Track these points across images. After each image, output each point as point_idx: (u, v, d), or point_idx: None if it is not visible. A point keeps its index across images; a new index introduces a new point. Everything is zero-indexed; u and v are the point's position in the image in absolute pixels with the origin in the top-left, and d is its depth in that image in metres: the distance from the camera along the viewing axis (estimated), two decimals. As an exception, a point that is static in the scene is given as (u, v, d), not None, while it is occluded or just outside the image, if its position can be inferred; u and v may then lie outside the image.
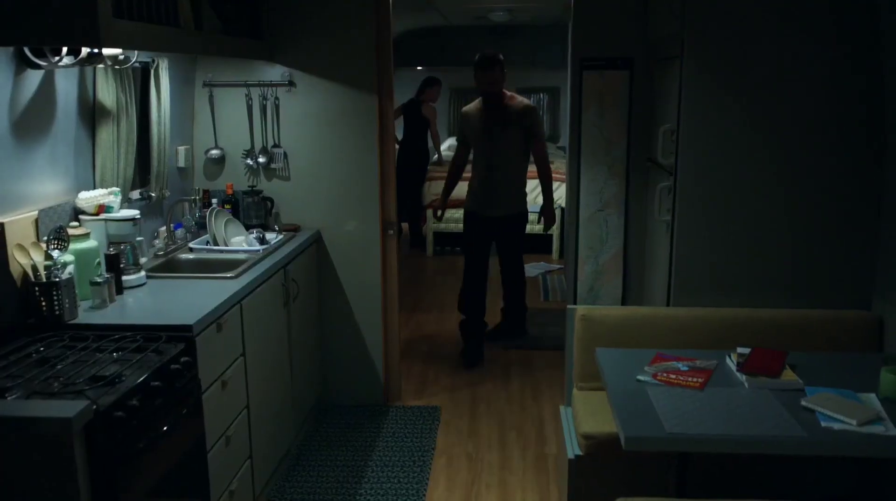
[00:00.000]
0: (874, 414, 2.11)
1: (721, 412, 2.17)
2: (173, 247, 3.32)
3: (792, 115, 2.92)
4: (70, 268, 2.40)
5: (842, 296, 2.97)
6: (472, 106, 4.55)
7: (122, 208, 2.86)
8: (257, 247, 3.37)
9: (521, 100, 4.46)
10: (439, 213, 4.85)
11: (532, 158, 4.51)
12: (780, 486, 2.74)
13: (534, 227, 7.14)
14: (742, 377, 2.38)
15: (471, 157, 4.66)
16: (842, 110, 2.89)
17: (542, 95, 10.67)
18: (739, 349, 2.53)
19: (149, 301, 2.66)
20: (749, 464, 2.71)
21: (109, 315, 2.47)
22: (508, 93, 4.43)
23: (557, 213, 8.54)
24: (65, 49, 2.42)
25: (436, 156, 8.25)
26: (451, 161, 4.86)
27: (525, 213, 4.61)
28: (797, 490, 2.74)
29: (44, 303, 2.33)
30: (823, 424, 2.09)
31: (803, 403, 2.20)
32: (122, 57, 2.80)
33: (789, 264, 3.01)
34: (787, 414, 2.14)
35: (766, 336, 2.79)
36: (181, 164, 3.71)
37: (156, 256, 3.20)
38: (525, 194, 4.60)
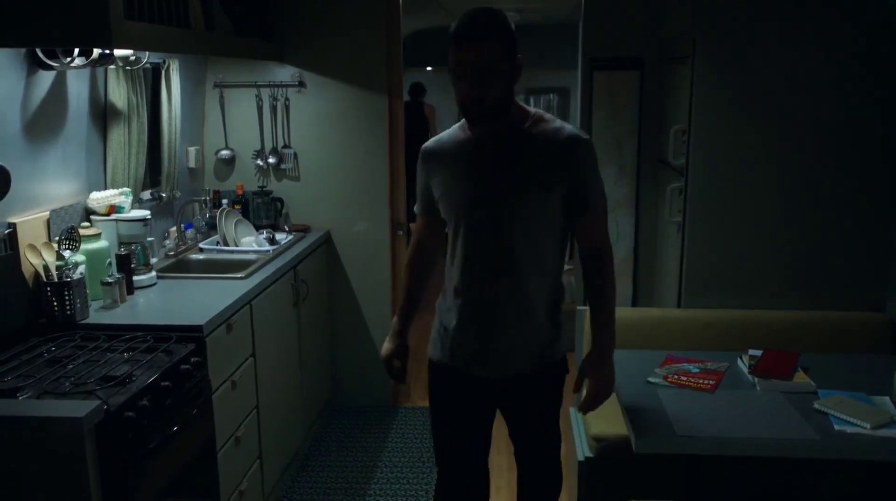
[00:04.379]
0: (888, 417, 2.09)
1: (732, 415, 2.15)
2: (184, 247, 3.33)
3: (804, 115, 2.90)
4: (81, 268, 2.41)
5: (854, 298, 2.95)
6: (448, 136, 2.13)
7: (132, 208, 2.88)
8: (267, 247, 3.38)
9: (559, 124, 2.03)
10: (396, 367, 2.29)
11: (573, 250, 2.35)
12: (791, 490, 2.72)
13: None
14: (753, 380, 2.36)
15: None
16: (854, 110, 2.87)
17: (551, 96, 10.64)
18: (751, 351, 2.52)
19: (159, 302, 2.67)
20: (760, 467, 2.69)
21: (120, 315, 2.48)
22: (529, 109, 2.05)
23: None
24: (76, 50, 2.44)
25: None
26: (410, 249, 2.34)
27: (562, 364, 2.19)
28: (809, 494, 2.72)
29: (55, 303, 2.34)
30: (836, 427, 2.07)
31: (816, 406, 2.18)
32: (133, 58, 2.82)
33: (801, 266, 2.99)
34: (799, 417, 2.13)
35: (778, 338, 2.77)
36: (192, 164, 3.72)
37: (166, 256, 3.21)
38: (561, 325, 2.15)
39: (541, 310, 2.08)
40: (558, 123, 2.04)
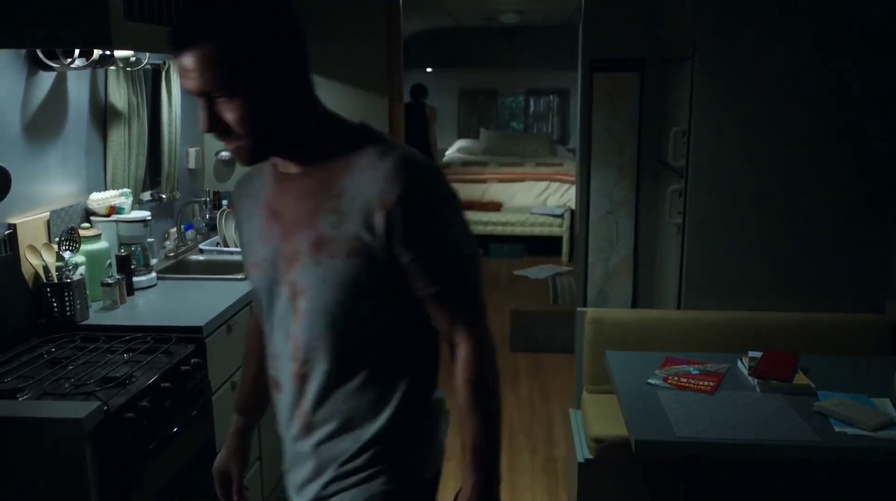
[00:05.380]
0: (888, 419, 2.09)
1: (732, 417, 2.15)
2: (184, 248, 3.33)
3: (804, 117, 2.90)
4: (81, 269, 2.41)
5: (855, 299, 2.95)
6: (258, 171, 1.45)
7: (132, 209, 2.87)
8: (267, 248, 3.37)
9: (385, 147, 1.32)
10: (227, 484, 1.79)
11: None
12: (791, 491, 2.72)
13: (553, 229, 7.14)
14: (753, 381, 2.36)
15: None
16: (853, 111, 2.87)
17: (551, 97, 10.66)
18: (751, 353, 2.52)
19: (159, 303, 2.67)
20: (760, 469, 2.69)
21: (120, 316, 2.48)
22: (353, 124, 1.48)
23: (564, 220, 7.44)
24: (77, 51, 2.44)
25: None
26: (249, 323, 1.70)
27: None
28: (808, 496, 2.72)
29: (55, 304, 2.34)
30: (836, 429, 2.07)
31: (815, 407, 2.18)
32: (133, 59, 2.82)
33: (801, 267, 2.99)
34: (799, 419, 2.13)
35: (778, 340, 2.77)
36: (192, 165, 3.71)
37: (166, 257, 3.21)
38: (422, 435, 1.40)
39: (375, 418, 1.34)
40: (386, 145, 1.32)
